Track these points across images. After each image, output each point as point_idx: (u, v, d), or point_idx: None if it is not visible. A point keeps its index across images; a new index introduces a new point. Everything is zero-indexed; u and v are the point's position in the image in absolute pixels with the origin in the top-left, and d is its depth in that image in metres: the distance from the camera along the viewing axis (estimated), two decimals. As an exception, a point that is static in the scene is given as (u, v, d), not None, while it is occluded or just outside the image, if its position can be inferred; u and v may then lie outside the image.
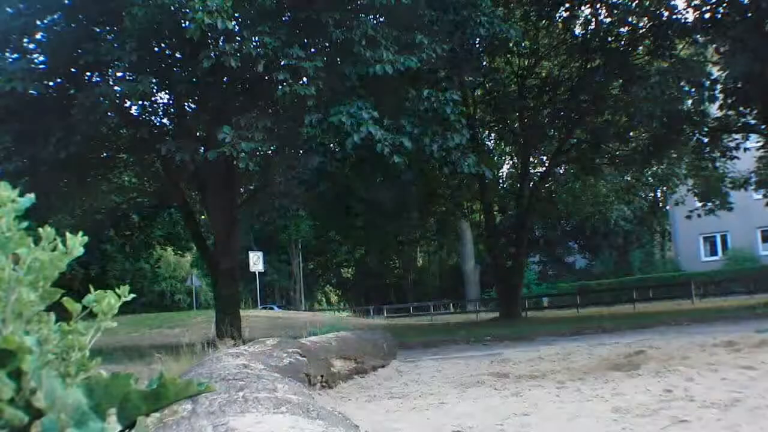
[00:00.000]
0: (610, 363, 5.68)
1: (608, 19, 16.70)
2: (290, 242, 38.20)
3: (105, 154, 16.01)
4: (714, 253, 32.71)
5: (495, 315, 21.13)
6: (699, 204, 20.35)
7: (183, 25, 11.45)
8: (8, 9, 12.67)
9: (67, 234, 1.21)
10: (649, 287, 27.22)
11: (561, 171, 22.92)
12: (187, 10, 10.42)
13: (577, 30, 18.09)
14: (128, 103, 12.75)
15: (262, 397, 1.63)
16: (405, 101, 12.13)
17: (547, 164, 21.47)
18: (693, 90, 14.74)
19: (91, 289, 1.27)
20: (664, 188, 25.79)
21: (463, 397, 4.46)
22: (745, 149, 17.99)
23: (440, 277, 42.87)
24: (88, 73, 13.39)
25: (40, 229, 1.17)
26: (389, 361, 7.09)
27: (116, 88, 12.06)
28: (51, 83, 12.99)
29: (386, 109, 11.72)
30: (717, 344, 6.43)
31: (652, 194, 33.67)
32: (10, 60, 12.90)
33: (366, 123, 10.87)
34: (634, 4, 16.14)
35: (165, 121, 15.35)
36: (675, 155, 18.96)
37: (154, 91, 13.17)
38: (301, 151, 12.53)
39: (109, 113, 12.20)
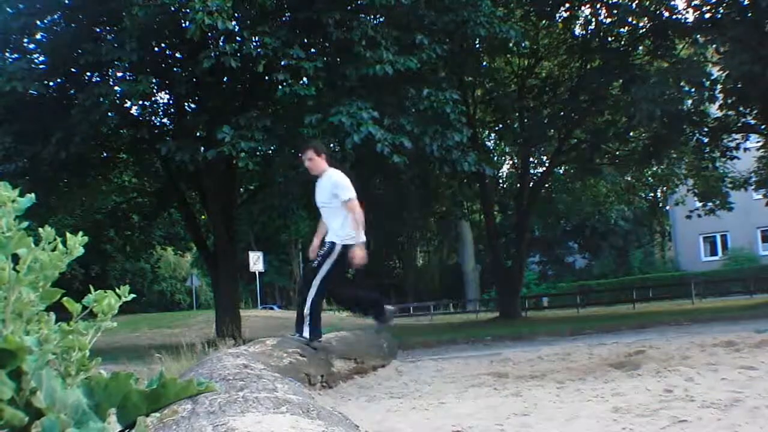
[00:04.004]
0: (610, 363, 5.68)
1: (608, 19, 16.69)
2: (290, 242, 38.19)
3: (105, 154, 16.01)
4: (714, 253, 32.70)
5: (495, 315, 21.13)
6: (699, 204, 20.34)
7: (183, 25, 11.46)
8: (8, 9, 12.67)
9: (67, 234, 1.21)
10: (649, 287, 27.20)
11: (561, 171, 22.91)
12: (187, 11, 10.43)
13: (577, 30, 18.09)
14: (128, 103, 12.76)
15: (262, 397, 1.63)
16: (405, 101, 12.13)
17: (547, 164, 21.47)
18: (693, 90, 14.72)
19: (91, 289, 1.27)
20: (664, 188, 25.80)
21: (463, 397, 4.46)
22: (745, 149, 17.97)
23: (440, 277, 42.87)
24: (88, 73, 13.39)
25: (40, 229, 1.17)
26: (389, 361, 7.08)
27: (116, 88, 12.06)
28: (51, 83, 13.00)
29: (386, 109, 11.72)
30: (717, 344, 6.43)
31: (652, 194, 33.67)
32: (10, 60, 12.91)
33: (366, 123, 10.87)
34: (634, 4, 16.13)
35: (165, 121, 15.37)
36: (675, 155, 18.96)
37: (154, 91, 13.18)
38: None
39: (109, 113, 12.20)
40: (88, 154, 14.05)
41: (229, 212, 15.11)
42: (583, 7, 17.20)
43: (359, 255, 5.53)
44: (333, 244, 5.57)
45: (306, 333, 5.44)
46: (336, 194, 5.66)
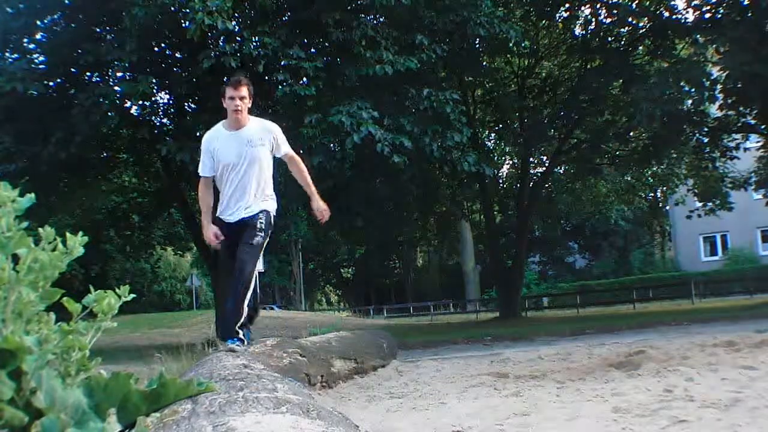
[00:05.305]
0: (610, 363, 5.68)
1: (608, 20, 16.70)
2: (290, 242, 38.21)
3: (105, 154, 16.01)
4: (714, 253, 32.71)
5: (495, 315, 21.13)
6: (699, 204, 20.35)
7: (183, 25, 11.46)
8: (8, 9, 12.67)
9: (67, 234, 1.21)
10: (649, 287, 27.23)
11: (561, 171, 22.92)
12: (187, 11, 10.43)
13: (577, 30, 18.09)
14: (128, 103, 12.75)
15: (262, 397, 1.63)
16: (405, 100, 12.13)
17: (547, 164, 21.47)
18: (693, 90, 14.71)
19: (91, 289, 1.27)
20: (664, 188, 25.79)
21: (463, 397, 4.46)
22: (745, 149, 17.98)
23: (440, 277, 42.89)
24: (88, 73, 13.39)
25: (40, 229, 1.17)
26: (389, 361, 7.09)
27: (116, 88, 12.06)
28: (51, 83, 12.99)
29: (386, 109, 11.73)
30: (717, 344, 6.43)
31: (652, 194, 33.67)
32: (10, 60, 12.90)
33: (366, 123, 10.88)
34: (634, 5, 16.13)
35: (165, 121, 15.36)
36: (675, 155, 18.96)
37: (154, 91, 13.18)
38: (301, 151, 12.54)
39: (109, 113, 12.20)
40: (88, 154, 14.04)
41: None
42: (583, 7, 17.20)
43: (325, 210, 4.58)
44: (267, 214, 4.46)
45: (244, 324, 4.31)
46: (274, 145, 4.53)
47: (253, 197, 4.43)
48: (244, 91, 4.45)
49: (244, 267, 4.24)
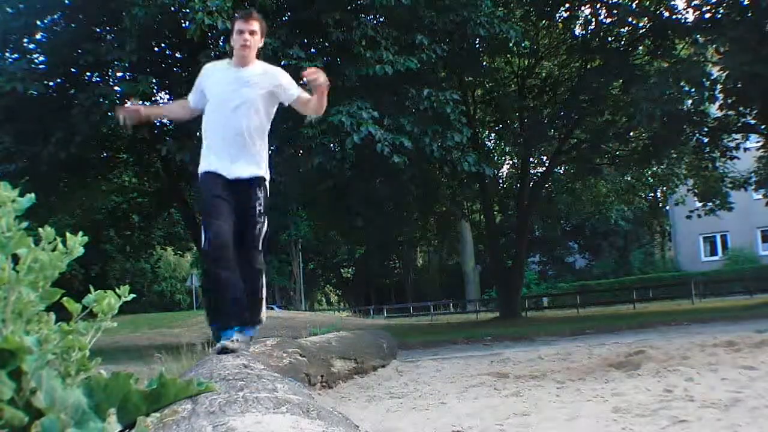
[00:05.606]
0: (610, 363, 5.68)
1: (608, 20, 16.70)
2: (290, 242, 38.22)
3: (105, 154, 16.02)
4: (714, 253, 32.71)
5: (495, 315, 21.13)
6: (699, 204, 20.35)
7: (183, 25, 11.46)
8: (8, 9, 12.68)
9: (67, 234, 1.21)
10: (649, 287, 27.23)
11: (561, 171, 22.92)
12: (187, 11, 10.44)
13: (577, 30, 18.10)
14: (128, 103, 12.76)
15: (262, 397, 1.63)
16: (405, 100, 12.13)
17: (547, 164, 21.47)
18: (693, 90, 14.71)
19: (91, 289, 1.27)
20: (664, 188, 25.79)
21: (463, 397, 4.46)
22: (745, 149, 17.98)
23: (440, 277, 42.89)
24: (88, 73, 13.40)
25: (40, 229, 1.17)
26: (389, 361, 7.09)
27: (116, 88, 12.08)
28: (51, 83, 13.00)
29: (386, 109, 11.73)
30: (717, 344, 6.43)
31: (652, 194, 33.66)
32: (10, 60, 12.91)
33: (366, 123, 10.88)
34: (634, 5, 16.13)
35: (165, 120, 15.36)
36: (675, 155, 18.97)
37: (154, 91, 13.18)
38: (301, 151, 12.55)
39: (109, 113, 12.20)
40: (88, 154, 14.05)
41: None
42: (583, 7, 17.20)
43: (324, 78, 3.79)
44: (264, 180, 3.89)
45: (263, 314, 3.95)
46: (277, 91, 3.91)
47: (247, 153, 3.83)
48: (254, 25, 3.91)
49: (257, 263, 3.85)
